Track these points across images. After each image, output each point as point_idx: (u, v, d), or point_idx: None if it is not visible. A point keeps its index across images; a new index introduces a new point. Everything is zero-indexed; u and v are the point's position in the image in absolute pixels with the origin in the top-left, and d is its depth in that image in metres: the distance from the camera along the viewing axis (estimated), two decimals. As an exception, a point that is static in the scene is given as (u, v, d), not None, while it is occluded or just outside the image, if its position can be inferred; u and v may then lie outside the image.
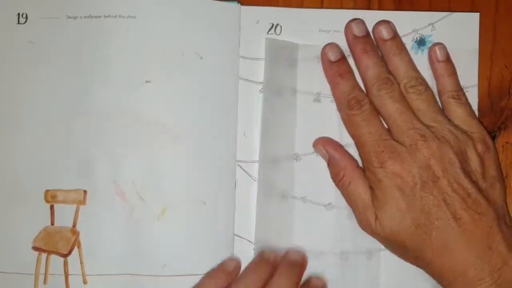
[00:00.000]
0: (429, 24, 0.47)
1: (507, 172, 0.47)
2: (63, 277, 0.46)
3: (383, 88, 0.44)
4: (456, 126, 0.44)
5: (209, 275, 0.44)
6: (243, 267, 0.45)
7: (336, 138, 0.47)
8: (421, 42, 0.47)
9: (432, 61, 0.47)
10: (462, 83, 0.47)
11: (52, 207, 0.46)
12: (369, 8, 0.48)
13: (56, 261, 0.46)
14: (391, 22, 0.47)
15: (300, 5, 0.48)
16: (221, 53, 0.47)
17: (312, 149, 0.47)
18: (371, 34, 0.46)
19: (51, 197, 0.46)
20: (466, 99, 0.46)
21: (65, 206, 0.46)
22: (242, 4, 0.48)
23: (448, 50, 0.47)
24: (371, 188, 0.44)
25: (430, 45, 0.47)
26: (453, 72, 0.46)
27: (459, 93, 0.45)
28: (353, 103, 0.44)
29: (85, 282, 0.46)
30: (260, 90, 0.47)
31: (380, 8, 0.48)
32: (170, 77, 0.47)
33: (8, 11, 0.47)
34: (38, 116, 0.47)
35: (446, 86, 0.46)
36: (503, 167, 0.47)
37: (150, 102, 0.47)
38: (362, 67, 0.45)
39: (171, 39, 0.47)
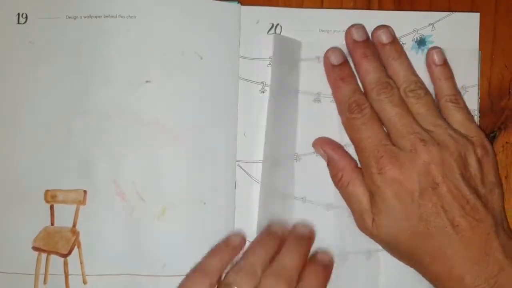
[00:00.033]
0: (429, 24, 0.47)
1: (507, 172, 0.47)
2: (63, 277, 0.46)
3: (382, 93, 0.44)
4: (455, 130, 0.44)
5: (214, 251, 0.44)
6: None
7: (336, 138, 0.47)
8: (421, 42, 0.47)
9: (429, 65, 0.46)
10: (462, 83, 0.47)
11: (52, 207, 0.46)
12: (369, 8, 0.48)
13: (56, 261, 0.46)
14: (390, 26, 0.46)
15: (300, 5, 0.48)
16: (221, 53, 0.47)
17: (312, 149, 0.47)
18: (371, 38, 0.46)
19: (51, 197, 0.46)
20: (464, 103, 0.46)
21: (65, 206, 0.46)
22: (242, 4, 0.48)
23: (448, 50, 0.47)
24: (370, 192, 0.44)
25: (430, 45, 0.47)
26: (450, 76, 0.46)
27: (457, 97, 0.45)
28: (354, 107, 0.44)
29: (85, 282, 0.46)
30: (260, 90, 0.47)
31: (380, 8, 0.48)
32: (170, 77, 0.47)
33: (8, 11, 0.47)
34: (38, 116, 0.47)
35: (444, 90, 0.45)
36: (503, 167, 0.47)
37: (150, 102, 0.47)
38: (361, 71, 0.45)
39: (171, 39, 0.47)
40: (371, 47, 0.46)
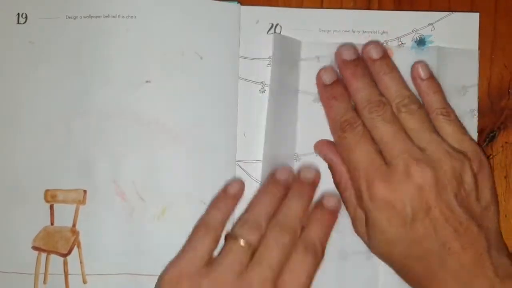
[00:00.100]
0: (429, 24, 0.47)
1: (507, 172, 0.47)
2: (63, 276, 0.46)
3: (374, 111, 0.43)
4: (450, 146, 0.43)
5: (214, 203, 0.44)
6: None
7: (335, 138, 0.47)
8: (420, 42, 0.47)
9: (414, 79, 0.46)
10: (462, 83, 0.47)
11: (52, 207, 0.46)
12: (369, 8, 0.48)
13: (56, 260, 0.46)
14: (379, 41, 0.46)
15: (300, 5, 0.48)
16: (221, 53, 0.47)
17: (311, 150, 0.47)
18: (362, 54, 0.46)
19: (51, 197, 0.46)
20: (455, 115, 0.45)
21: (65, 206, 0.46)
22: (242, 4, 0.48)
23: (448, 50, 0.47)
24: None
25: (430, 45, 0.47)
26: (438, 89, 0.45)
27: (448, 109, 0.44)
28: (345, 126, 0.43)
29: (84, 281, 0.46)
30: (260, 90, 0.47)
31: (380, 8, 0.48)
32: (170, 77, 0.47)
33: (8, 11, 0.47)
34: (38, 116, 0.47)
35: (433, 103, 0.45)
36: (503, 167, 0.47)
37: (150, 102, 0.47)
38: (352, 90, 0.45)
39: (171, 39, 0.47)
40: (362, 65, 0.45)
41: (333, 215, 0.44)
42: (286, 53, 0.47)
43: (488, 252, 0.41)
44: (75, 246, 0.46)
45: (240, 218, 0.43)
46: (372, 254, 0.45)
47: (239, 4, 0.48)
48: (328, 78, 0.46)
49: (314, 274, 0.42)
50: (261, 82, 0.47)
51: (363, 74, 0.45)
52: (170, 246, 0.45)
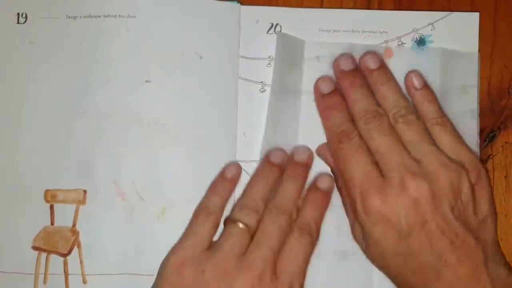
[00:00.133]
0: (429, 24, 0.48)
1: (507, 172, 0.47)
2: (63, 276, 0.46)
3: (371, 122, 0.43)
4: (447, 156, 0.42)
5: (213, 188, 0.45)
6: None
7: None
8: (420, 41, 0.47)
9: (409, 88, 0.46)
10: (462, 83, 0.47)
11: (52, 207, 0.46)
12: (369, 8, 0.48)
13: (56, 260, 0.46)
14: (377, 52, 0.46)
15: (300, 5, 0.48)
16: (221, 53, 0.47)
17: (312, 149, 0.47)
18: (359, 64, 0.46)
19: (51, 197, 0.46)
20: (451, 124, 0.44)
21: (65, 206, 0.46)
22: (242, 4, 0.48)
23: (448, 50, 0.47)
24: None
25: (430, 44, 0.47)
26: (433, 98, 0.45)
27: (443, 119, 0.44)
28: (342, 136, 0.43)
29: (84, 281, 0.46)
30: (260, 90, 0.47)
31: (380, 8, 0.48)
32: (170, 77, 0.47)
33: (8, 11, 0.47)
34: (38, 116, 0.47)
35: (429, 113, 0.44)
36: (503, 167, 0.47)
37: (150, 102, 0.47)
38: (350, 101, 0.45)
39: (171, 39, 0.47)
40: (359, 76, 0.45)
41: (327, 196, 0.45)
42: (289, 52, 0.47)
43: (484, 264, 0.40)
44: (75, 246, 0.46)
45: (237, 202, 0.44)
46: (372, 254, 0.45)
47: (239, 4, 0.48)
48: (326, 88, 0.46)
49: (311, 255, 0.43)
50: (261, 82, 0.47)
51: (361, 84, 0.45)
52: (170, 246, 0.45)
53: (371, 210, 0.41)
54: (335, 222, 0.46)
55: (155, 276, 0.43)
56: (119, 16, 0.47)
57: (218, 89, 0.47)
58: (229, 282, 0.40)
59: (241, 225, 0.42)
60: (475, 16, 0.48)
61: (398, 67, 0.46)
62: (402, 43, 0.47)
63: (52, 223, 0.46)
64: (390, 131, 0.43)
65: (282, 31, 0.47)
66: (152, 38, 0.47)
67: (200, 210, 0.44)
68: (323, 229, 0.46)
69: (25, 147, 0.47)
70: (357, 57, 0.47)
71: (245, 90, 0.47)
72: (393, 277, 0.43)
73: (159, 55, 0.47)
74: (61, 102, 0.47)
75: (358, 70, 0.46)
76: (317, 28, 0.48)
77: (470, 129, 0.46)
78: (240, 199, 0.44)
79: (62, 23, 0.47)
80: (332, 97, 0.45)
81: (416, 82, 0.45)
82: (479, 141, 0.47)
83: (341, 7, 0.48)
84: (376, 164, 0.42)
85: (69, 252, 0.46)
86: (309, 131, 0.47)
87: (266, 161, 0.46)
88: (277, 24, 0.48)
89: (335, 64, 0.46)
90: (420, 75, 0.46)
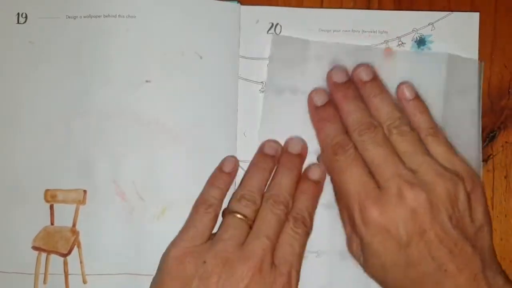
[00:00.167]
0: (429, 24, 0.48)
1: (507, 172, 0.47)
2: (63, 276, 0.46)
3: (365, 133, 0.43)
4: (443, 166, 0.42)
5: (211, 181, 0.46)
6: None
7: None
8: (420, 41, 0.47)
9: (400, 100, 0.46)
10: (462, 83, 0.47)
11: (52, 207, 0.46)
12: (369, 8, 0.48)
13: (56, 260, 0.46)
14: (370, 64, 0.46)
15: (300, 5, 0.48)
16: (221, 53, 0.47)
17: (310, 149, 0.47)
18: (352, 77, 0.46)
19: (51, 197, 0.46)
20: (443, 135, 0.44)
21: (65, 206, 0.46)
22: (242, 3, 0.48)
23: (448, 50, 0.47)
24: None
25: (430, 44, 0.47)
26: (424, 109, 0.45)
27: (435, 130, 0.44)
28: (337, 148, 0.43)
29: (84, 281, 0.46)
30: (260, 90, 0.47)
31: (380, 8, 0.48)
32: (170, 77, 0.47)
33: (8, 11, 0.47)
34: (38, 116, 0.47)
35: (421, 123, 0.44)
36: (503, 167, 0.47)
37: (150, 102, 0.47)
38: (344, 113, 0.45)
39: (171, 39, 0.47)
40: (352, 87, 0.45)
41: (318, 186, 0.46)
42: (285, 54, 0.47)
43: (483, 272, 0.40)
44: (75, 246, 0.46)
45: (234, 194, 0.45)
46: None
47: (239, 4, 0.48)
48: (319, 100, 0.46)
49: (306, 244, 0.44)
50: (261, 82, 0.47)
51: (354, 96, 0.45)
52: (170, 246, 0.45)
53: (369, 221, 0.41)
54: (335, 222, 0.46)
55: (155, 276, 0.43)
56: (119, 16, 0.47)
57: (218, 89, 0.47)
58: (230, 271, 0.41)
59: (239, 216, 0.43)
60: (475, 16, 0.48)
61: (400, 70, 0.47)
62: (402, 43, 0.47)
63: (52, 223, 0.46)
64: (384, 142, 0.43)
65: (282, 31, 0.47)
66: (152, 38, 0.47)
67: (200, 203, 0.45)
68: (323, 229, 0.46)
69: (25, 147, 0.47)
70: (357, 57, 0.47)
71: (245, 90, 0.47)
72: None
73: (159, 55, 0.47)
74: (61, 102, 0.47)
75: (351, 82, 0.46)
76: (317, 28, 0.48)
77: (470, 129, 0.46)
78: (237, 191, 0.45)
79: (62, 23, 0.47)
80: (326, 109, 0.45)
81: (408, 93, 0.46)
82: (481, 143, 0.47)
83: (341, 7, 0.48)
84: (372, 175, 0.42)
85: (69, 252, 0.46)
86: (307, 131, 0.47)
87: (260, 152, 0.46)
88: (277, 24, 0.48)
89: (328, 76, 0.46)
90: (411, 86, 0.46)
